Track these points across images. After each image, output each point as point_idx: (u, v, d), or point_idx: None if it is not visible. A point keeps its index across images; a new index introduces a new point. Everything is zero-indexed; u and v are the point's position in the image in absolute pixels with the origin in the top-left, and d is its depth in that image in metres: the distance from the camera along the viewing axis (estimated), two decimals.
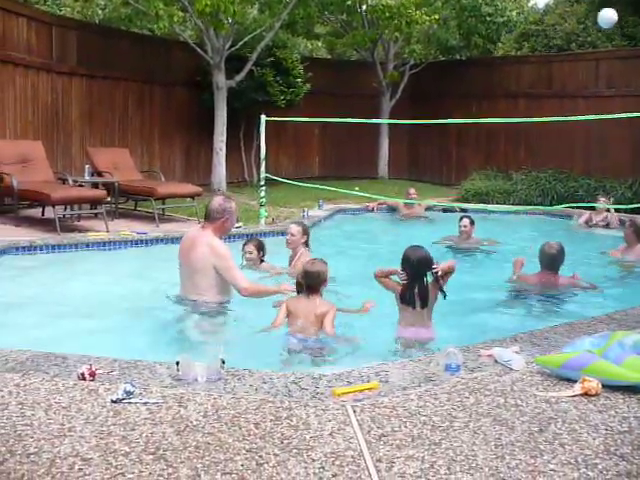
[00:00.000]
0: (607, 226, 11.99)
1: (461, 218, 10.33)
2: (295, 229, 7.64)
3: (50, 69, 13.15)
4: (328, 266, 5.68)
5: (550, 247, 7.12)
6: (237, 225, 10.34)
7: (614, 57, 16.85)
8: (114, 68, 14.68)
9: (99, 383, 3.71)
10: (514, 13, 22.91)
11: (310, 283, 5.51)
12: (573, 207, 12.13)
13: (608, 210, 12.20)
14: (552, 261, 7.07)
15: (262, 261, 7.52)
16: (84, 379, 3.74)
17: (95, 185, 11.62)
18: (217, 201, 6.27)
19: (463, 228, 10.13)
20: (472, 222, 10.17)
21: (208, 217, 6.21)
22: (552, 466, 2.94)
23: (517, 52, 21.55)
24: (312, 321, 5.41)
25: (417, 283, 5.42)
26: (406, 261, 5.46)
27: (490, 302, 6.91)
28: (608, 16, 11.65)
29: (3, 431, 3.10)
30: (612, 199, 12.72)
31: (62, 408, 3.37)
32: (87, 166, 11.80)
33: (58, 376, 3.85)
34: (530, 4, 27.22)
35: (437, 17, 17.90)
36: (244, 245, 7.58)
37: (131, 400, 3.46)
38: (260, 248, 7.52)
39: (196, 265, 6.02)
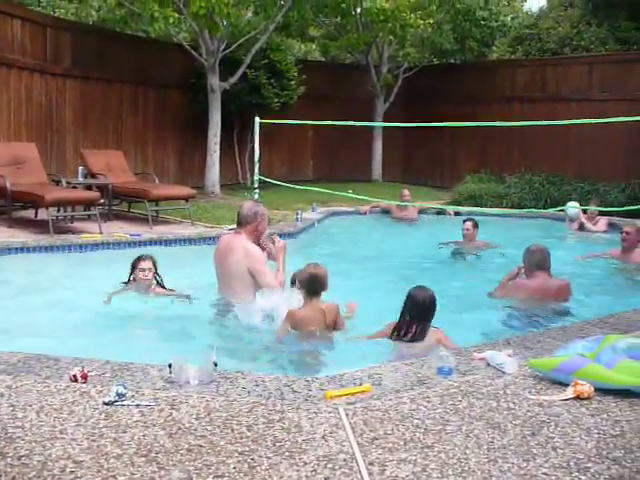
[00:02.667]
0: (596, 230, 12.00)
1: (464, 221, 10.29)
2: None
3: (44, 70, 13.13)
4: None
5: (537, 247, 6.98)
6: (230, 227, 10.35)
7: (607, 61, 16.91)
8: (108, 70, 14.67)
9: (91, 385, 3.70)
10: (508, 17, 22.99)
11: (316, 288, 5.46)
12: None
13: (600, 213, 12.24)
14: (545, 260, 6.94)
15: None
16: (76, 381, 3.73)
17: (89, 187, 11.58)
18: (247, 206, 6.40)
19: (466, 231, 10.08)
20: (475, 225, 10.12)
21: (241, 223, 6.32)
22: (544, 470, 2.95)
23: (511, 56, 21.59)
24: (323, 328, 5.41)
25: (419, 325, 5.13)
26: (411, 301, 5.19)
27: (491, 306, 6.87)
28: None
29: None
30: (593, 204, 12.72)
31: (54, 410, 3.36)
32: (81, 168, 11.77)
33: (50, 378, 3.83)
34: (524, 8, 27.31)
35: (431, 21, 17.94)
36: (139, 260, 6.56)
37: (123, 402, 3.46)
38: (156, 269, 6.60)
39: (233, 270, 6.11)
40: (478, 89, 18.68)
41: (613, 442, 3.25)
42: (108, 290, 6.59)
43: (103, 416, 3.31)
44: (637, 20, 19.45)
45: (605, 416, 3.55)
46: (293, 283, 5.76)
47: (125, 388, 3.56)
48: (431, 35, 19.24)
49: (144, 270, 6.48)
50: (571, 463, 3.02)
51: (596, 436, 3.31)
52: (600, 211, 12.31)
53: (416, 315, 5.15)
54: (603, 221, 12.18)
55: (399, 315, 5.23)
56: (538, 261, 6.87)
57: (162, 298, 6.48)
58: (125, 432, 3.16)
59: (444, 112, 17.48)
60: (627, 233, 9.11)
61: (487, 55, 21.84)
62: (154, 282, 6.56)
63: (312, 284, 5.45)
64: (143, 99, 15.78)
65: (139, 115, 15.71)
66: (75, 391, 3.60)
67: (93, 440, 3.06)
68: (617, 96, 15.72)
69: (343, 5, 17.56)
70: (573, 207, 12.28)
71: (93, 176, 11.87)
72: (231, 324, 5.96)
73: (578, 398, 3.75)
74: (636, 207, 11.50)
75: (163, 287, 6.60)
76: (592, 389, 3.79)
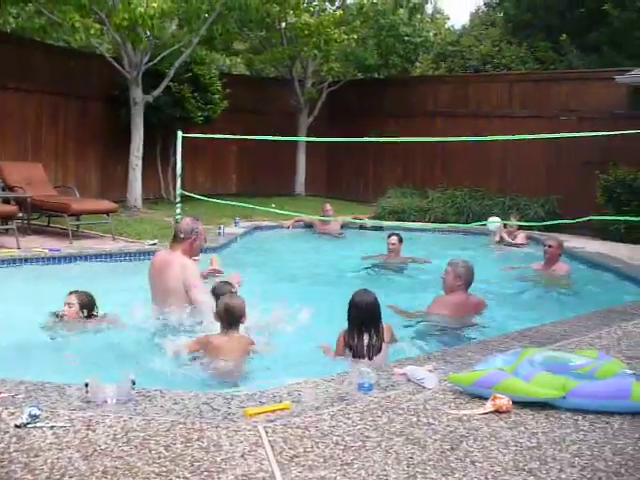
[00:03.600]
0: (515, 243, 12.25)
1: (390, 235, 10.29)
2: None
3: None
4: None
5: (466, 263, 6.93)
6: (152, 242, 10.23)
7: (527, 79, 17.29)
8: (27, 80, 14.31)
9: (3, 407, 3.58)
10: (431, 34, 23.35)
11: (232, 320, 5.21)
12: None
13: (520, 227, 12.50)
14: (472, 276, 6.97)
15: (91, 315, 6.16)
16: None
17: (6, 200, 11.29)
18: (185, 222, 6.41)
19: (391, 246, 10.09)
20: (401, 240, 10.14)
21: (176, 238, 6.30)
22: None
23: (434, 72, 21.94)
24: (236, 362, 5.10)
25: (367, 333, 5.14)
26: (354, 308, 5.19)
27: (415, 321, 6.90)
28: None
29: None
30: (514, 218, 12.98)
31: None
32: None
33: None
34: (447, 26, 27.84)
35: (356, 36, 18.09)
36: (68, 294, 6.17)
37: (36, 424, 3.35)
38: (85, 305, 6.12)
39: (170, 286, 6.06)
40: (401, 104, 18.86)
41: (529, 454, 3.30)
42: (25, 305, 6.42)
43: (14, 440, 3.21)
44: (553, 41, 20.05)
45: (522, 429, 3.61)
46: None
47: (39, 409, 3.45)
48: (355, 50, 19.40)
49: (66, 304, 6.08)
50: (489, 476, 3.05)
51: (513, 449, 3.35)
52: (520, 225, 12.58)
53: (362, 320, 5.17)
54: (522, 235, 12.45)
55: (347, 323, 5.24)
56: (468, 277, 6.93)
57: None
58: (37, 456, 3.06)
59: (368, 127, 17.64)
60: (549, 247, 9.31)
61: (410, 71, 22.13)
62: (79, 318, 6.07)
63: (229, 316, 5.21)
64: (64, 111, 15.45)
65: (60, 127, 15.38)
66: None
67: (2, 466, 2.95)
68: (536, 113, 16.06)
69: (268, 19, 17.59)
70: (494, 222, 12.51)
71: (11, 189, 11.57)
72: (155, 341, 5.84)
73: (497, 412, 3.80)
74: (554, 222, 11.80)
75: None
76: (510, 402, 3.85)
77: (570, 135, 11.16)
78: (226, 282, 5.96)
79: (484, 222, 12.62)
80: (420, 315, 6.93)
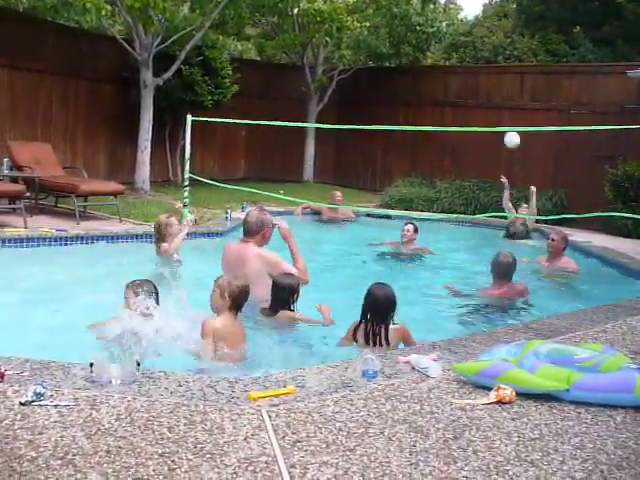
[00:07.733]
0: (526, 235, 12.17)
1: (405, 224, 10.33)
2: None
3: None
4: None
5: (505, 257, 7.34)
6: None
7: (538, 72, 17.20)
8: (38, 60, 14.29)
9: (8, 385, 3.59)
10: (444, 24, 23.25)
11: (243, 303, 5.18)
12: (495, 216, 12.38)
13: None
14: (508, 270, 7.23)
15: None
16: None
17: (14, 180, 11.30)
18: (254, 215, 6.51)
19: (406, 233, 10.12)
20: (416, 229, 10.16)
21: (249, 232, 6.42)
22: (465, 473, 2.98)
23: (446, 62, 21.86)
24: (240, 343, 5.08)
25: (381, 325, 5.14)
26: (372, 301, 5.19)
27: (426, 309, 6.93)
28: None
29: None
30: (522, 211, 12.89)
31: None
32: (6, 159, 11.49)
33: None
34: (460, 16, 27.71)
35: (368, 24, 18.04)
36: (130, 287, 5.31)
37: (41, 402, 3.37)
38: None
39: (253, 277, 6.05)
40: (412, 94, 18.80)
41: (532, 445, 3.30)
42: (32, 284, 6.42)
43: (19, 417, 3.22)
44: (565, 34, 19.97)
45: (525, 420, 3.61)
46: None
47: (44, 387, 3.46)
48: (367, 38, 19.34)
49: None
50: (491, 466, 3.05)
51: (516, 439, 3.36)
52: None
53: (376, 313, 5.17)
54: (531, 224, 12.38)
55: (360, 314, 5.24)
56: (502, 269, 7.34)
57: None
58: (42, 433, 3.07)
59: (377, 115, 17.54)
60: (553, 240, 9.31)
61: (422, 61, 22.07)
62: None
63: (243, 299, 5.16)
64: (74, 92, 15.44)
65: (70, 108, 15.38)
66: None
67: (6, 443, 2.96)
68: (547, 106, 16.01)
69: (280, 5, 17.53)
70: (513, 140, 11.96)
71: (19, 168, 11.59)
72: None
73: (500, 402, 3.81)
74: (560, 216, 11.71)
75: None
76: (514, 393, 3.85)
77: (579, 128, 11.12)
78: (288, 274, 5.99)
79: (490, 213, 12.57)
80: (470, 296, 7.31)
